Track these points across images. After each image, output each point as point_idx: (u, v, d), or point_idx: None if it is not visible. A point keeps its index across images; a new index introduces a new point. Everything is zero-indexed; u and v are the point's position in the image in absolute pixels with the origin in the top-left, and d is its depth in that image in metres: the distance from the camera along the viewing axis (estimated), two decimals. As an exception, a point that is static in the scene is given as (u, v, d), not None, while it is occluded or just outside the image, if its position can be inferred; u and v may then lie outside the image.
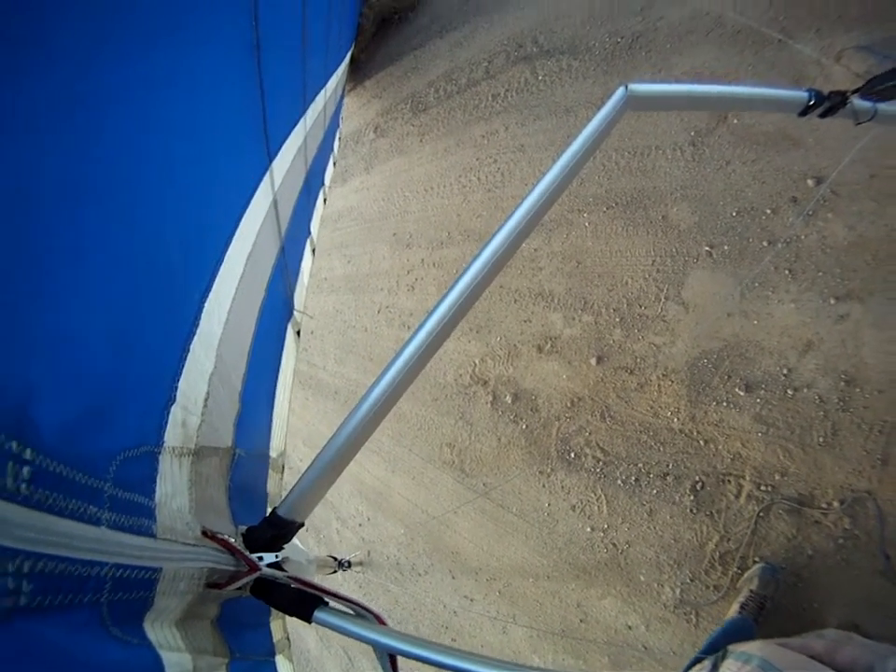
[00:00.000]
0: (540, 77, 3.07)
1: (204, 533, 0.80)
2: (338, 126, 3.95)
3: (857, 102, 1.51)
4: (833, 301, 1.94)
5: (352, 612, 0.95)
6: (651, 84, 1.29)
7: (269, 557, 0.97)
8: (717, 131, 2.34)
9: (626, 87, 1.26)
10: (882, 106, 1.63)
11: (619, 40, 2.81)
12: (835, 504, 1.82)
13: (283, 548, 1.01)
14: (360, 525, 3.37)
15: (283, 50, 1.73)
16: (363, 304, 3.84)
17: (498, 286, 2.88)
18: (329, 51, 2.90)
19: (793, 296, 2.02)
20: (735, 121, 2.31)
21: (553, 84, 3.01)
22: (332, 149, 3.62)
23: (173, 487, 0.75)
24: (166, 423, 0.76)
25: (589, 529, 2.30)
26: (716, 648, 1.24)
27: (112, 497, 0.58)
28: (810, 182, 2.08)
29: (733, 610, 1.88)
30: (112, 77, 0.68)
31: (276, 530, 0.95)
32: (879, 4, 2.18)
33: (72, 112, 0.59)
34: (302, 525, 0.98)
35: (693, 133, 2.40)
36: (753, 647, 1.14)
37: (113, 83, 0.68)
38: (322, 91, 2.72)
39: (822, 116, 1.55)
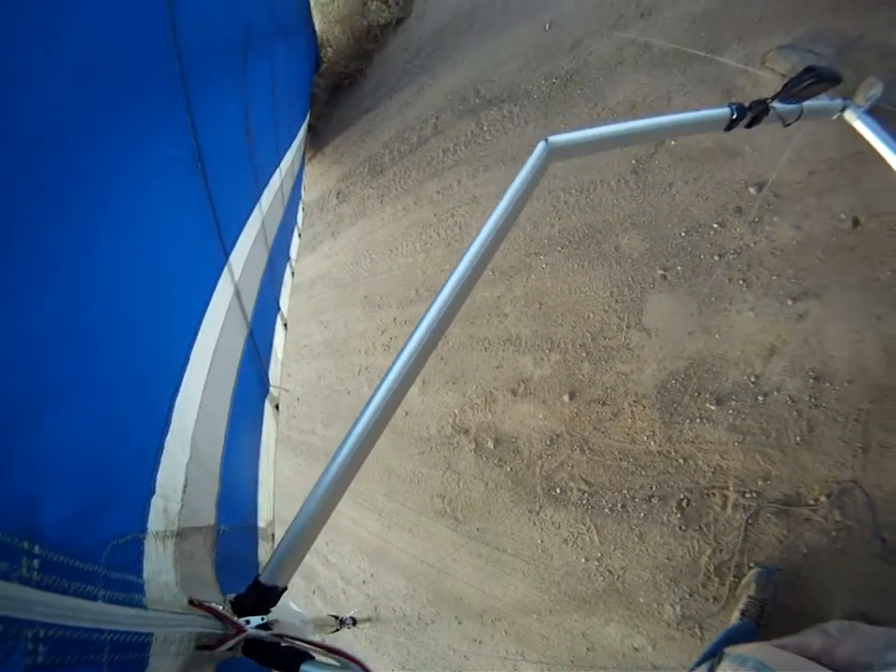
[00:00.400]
0: (485, 128, 3.34)
1: (192, 602, 0.95)
2: (300, 198, 4.22)
3: (780, 106, 1.69)
4: (790, 303, 2.11)
5: (338, 664, 1.09)
6: (569, 134, 1.48)
7: (256, 620, 1.11)
8: (656, 156, 2.56)
9: (547, 140, 1.44)
10: (808, 104, 1.83)
11: (554, 80, 3.08)
12: (823, 499, 1.93)
13: (270, 611, 1.15)
14: (364, 581, 3.47)
15: (226, 153, 1.96)
16: (343, 367, 4.02)
17: (468, 336, 3.07)
18: (278, 132, 3.15)
19: (751, 304, 2.19)
20: (673, 143, 2.53)
21: (498, 133, 3.28)
22: (296, 222, 3.87)
23: (158, 565, 0.92)
24: (148, 512, 0.93)
25: (584, 560, 2.41)
26: (716, 654, 1.31)
27: (106, 577, 0.75)
28: (752, 190, 2.28)
29: (734, 618, 1.95)
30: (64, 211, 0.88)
31: (260, 596, 1.09)
32: (788, 2, 2.43)
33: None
34: (285, 588, 1.12)
35: (634, 162, 2.62)
36: (749, 649, 1.22)
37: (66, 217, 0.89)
38: (277, 172, 2.96)
39: (749, 126, 1.73)
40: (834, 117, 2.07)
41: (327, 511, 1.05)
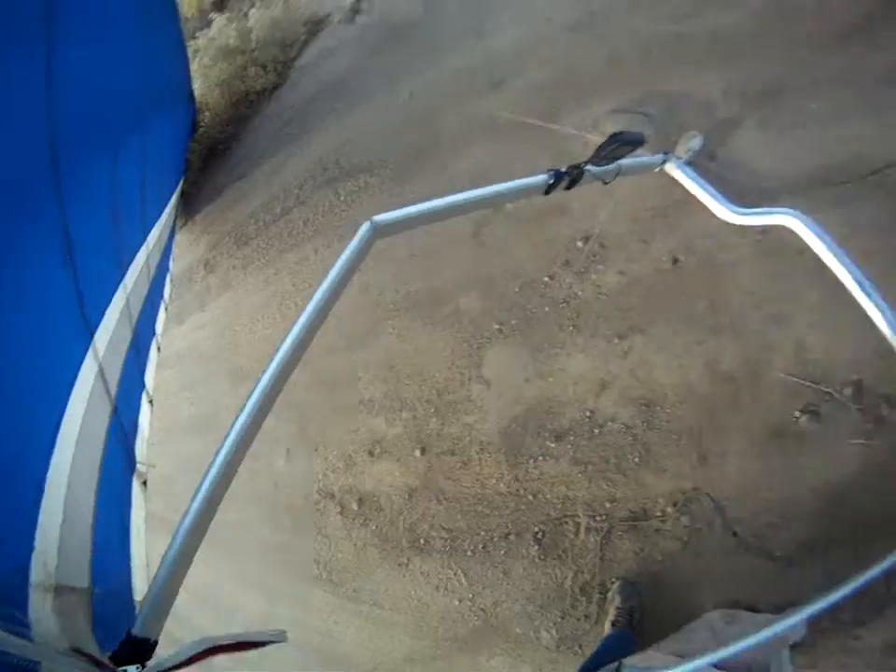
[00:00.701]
0: (343, 198, 3.69)
1: (74, 649, 1.12)
2: (167, 270, 4.34)
3: (594, 168, 1.97)
4: (616, 341, 2.47)
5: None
6: (394, 213, 1.66)
7: (132, 669, 1.26)
8: (494, 219, 2.97)
9: (372, 221, 1.60)
10: (627, 161, 2.17)
11: (409, 151, 3.48)
12: (669, 510, 2.18)
13: (146, 665, 1.28)
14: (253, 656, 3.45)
15: (92, 236, 2.12)
16: (213, 442, 4.04)
17: (326, 403, 3.32)
18: (146, 208, 3.31)
19: (581, 347, 2.54)
20: (510, 206, 2.94)
21: (354, 203, 3.63)
22: (163, 296, 3.99)
23: (39, 614, 1.10)
24: (30, 565, 1.11)
25: (457, 602, 2.61)
26: (599, 663, 1.40)
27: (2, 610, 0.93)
28: (579, 243, 2.69)
29: (606, 629, 2.10)
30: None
31: (133, 647, 1.19)
32: (622, 70, 2.91)
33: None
34: (156, 642, 1.19)
35: (474, 226, 3.02)
36: (650, 658, 1.36)
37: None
38: (143, 247, 3.10)
39: (568, 188, 1.99)
40: (657, 169, 2.47)
41: (181, 569, 1.17)
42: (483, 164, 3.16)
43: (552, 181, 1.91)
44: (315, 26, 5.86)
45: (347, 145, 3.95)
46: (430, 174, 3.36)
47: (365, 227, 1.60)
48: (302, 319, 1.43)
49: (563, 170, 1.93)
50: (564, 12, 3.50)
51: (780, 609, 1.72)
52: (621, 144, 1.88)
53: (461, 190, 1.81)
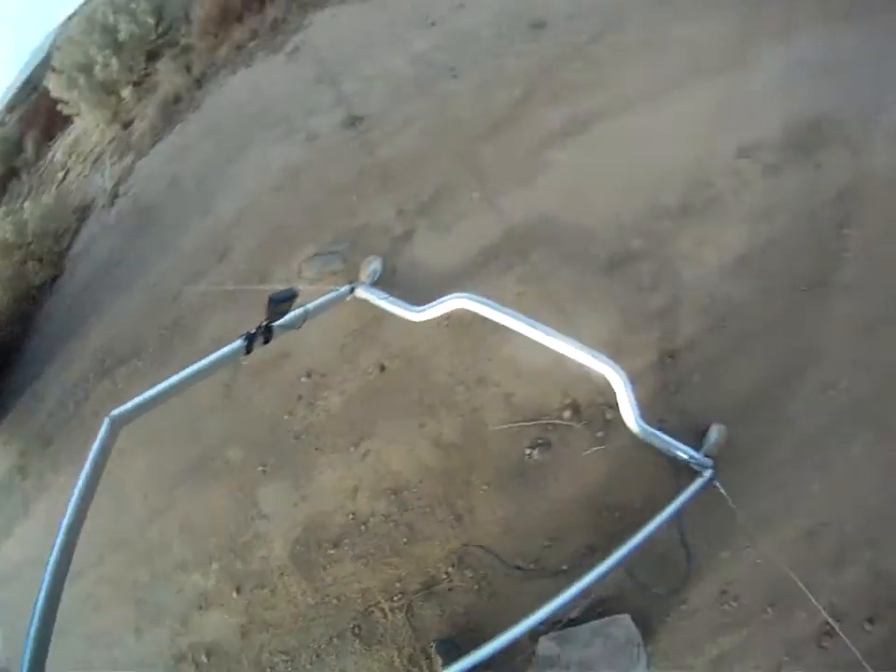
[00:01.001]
0: (120, 386, 3.93)
1: None
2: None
3: (280, 322, 2.29)
4: (353, 449, 2.83)
5: None
6: (130, 403, 1.91)
7: None
8: (237, 375, 3.33)
9: (110, 416, 1.80)
10: (314, 303, 2.59)
11: (164, 331, 3.81)
12: (450, 570, 2.46)
13: None
14: None
15: None
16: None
17: (150, 574, 3.44)
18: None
19: (328, 463, 2.87)
20: (245, 363, 3.25)
21: (130, 388, 3.83)
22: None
23: None
24: None
25: None
26: None
27: None
28: (304, 379, 3.08)
29: None
30: None
31: None
32: (318, 217, 3.37)
33: None
34: None
35: (224, 387, 3.37)
36: None
37: None
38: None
39: (266, 343, 2.28)
40: (348, 298, 2.90)
41: None
42: (223, 330, 3.49)
43: (247, 343, 2.20)
44: (83, 213, 6.15)
45: (117, 333, 4.21)
46: (183, 348, 3.69)
47: (105, 423, 1.79)
48: (66, 520, 1.55)
49: (252, 332, 2.23)
50: (270, 175, 4.03)
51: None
52: (279, 302, 2.18)
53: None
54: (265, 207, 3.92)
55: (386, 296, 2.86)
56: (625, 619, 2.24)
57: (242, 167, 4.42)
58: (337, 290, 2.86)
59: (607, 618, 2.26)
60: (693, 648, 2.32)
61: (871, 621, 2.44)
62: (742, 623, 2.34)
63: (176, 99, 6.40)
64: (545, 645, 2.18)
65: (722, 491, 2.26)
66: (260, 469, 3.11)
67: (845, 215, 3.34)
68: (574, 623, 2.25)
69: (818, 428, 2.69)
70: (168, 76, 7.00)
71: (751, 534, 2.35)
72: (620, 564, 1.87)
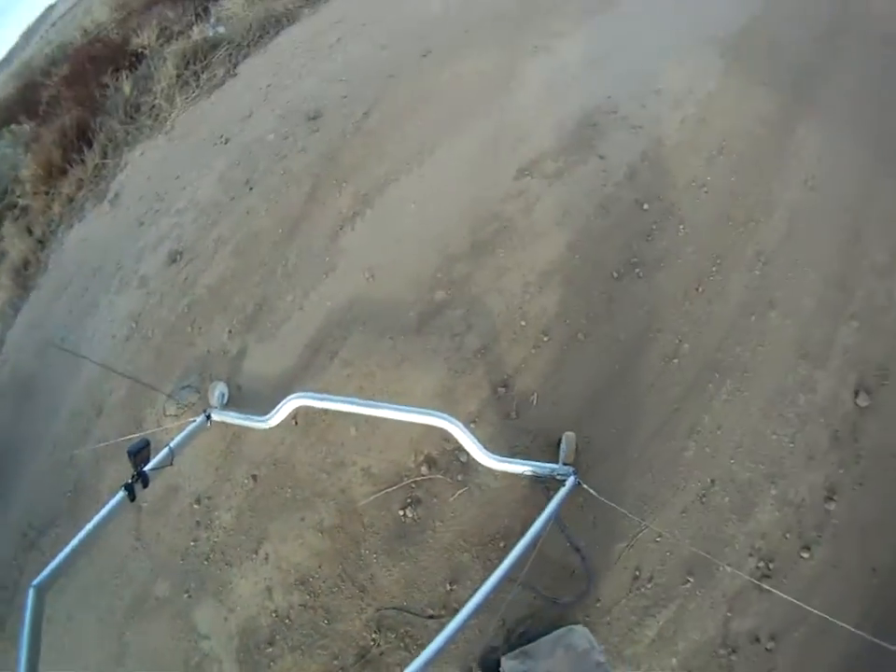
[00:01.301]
0: (48, 556, 3.89)
1: None
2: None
3: (151, 465, 2.43)
4: (254, 555, 3.00)
5: None
6: (45, 570, 1.97)
7: None
8: (142, 518, 3.47)
9: (32, 586, 1.85)
10: (177, 440, 2.71)
11: (69, 494, 3.95)
12: (375, 635, 2.69)
13: None
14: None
15: None
16: None
17: None
18: None
19: (238, 574, 3.01)
20: (146, 504, 3.45)
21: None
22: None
23: None
24: None
25: None
26: None
27: None
28: (196, 506, 3.27)
29: None
30: None
31: None
32: (168, 357, 3.65)
33: None
34: None
35: (133, 530, 3.50)
36: None
37: None
38: None
39: (146, 487, 2.40)
40: (209, 425, 3.05)
41: None
42: (120, 480, 3.46)
43: (128, 492, 2.31)
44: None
45: (29, 505, 4.27)
46: (90, 506, 3.75)
47: (30, 594, 1.84)
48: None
49: (129, 482, 2.33)
50: (119, 326, 4.34)
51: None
52: (137, 453, 2.36)
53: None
54: (123, 357, 4.13)
55: (238, 414, 3.08)
56: (580, 628, 2.44)
57: (96, 322, 4.62)
58: (195, 421, 3.02)
59: (562, 629, 2.45)
60: (626, 638, 2.54)
61: (806, 548, 2.66)
62: (667, 599, 2.57)
63: (26, 264, 6.52)
64: (509, 665, 2.35)
65: (591, 490, 2.44)
66: (186, 595, 3.23)
67: (641, 190, 3.73)
68: (528, 641, 2.45)
69: (675, 398, 2.98)
70: (12, 240, 7.10)
71: (640, 518, 2.56)
72: (504, 579, 1.92)
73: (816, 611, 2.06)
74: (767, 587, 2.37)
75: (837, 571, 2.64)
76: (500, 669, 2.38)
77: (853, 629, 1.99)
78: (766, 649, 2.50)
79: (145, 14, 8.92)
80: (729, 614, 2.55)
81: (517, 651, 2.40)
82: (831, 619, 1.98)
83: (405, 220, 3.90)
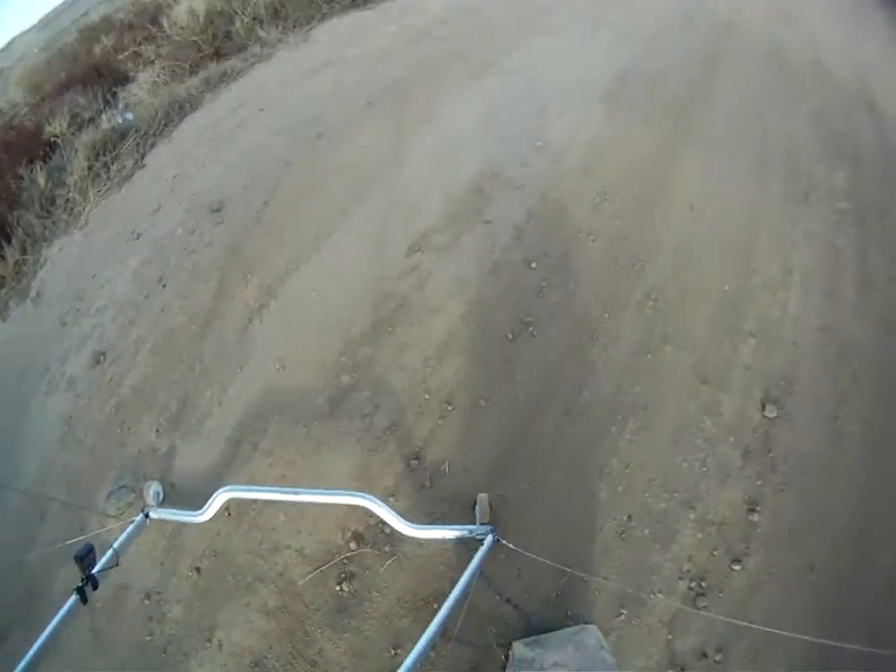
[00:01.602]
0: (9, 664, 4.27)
1: None
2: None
3: (97, 569, 2.53)
4: (209, 644, 3.07)
5: None
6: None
7: None
8: (97, 618, 3.54)
9: None
10: (115, 545, 2.80)
11: (22, 601, 4.09)
12: None
13: None
14: None
15: None
16: None
17: None
18: None
19: (196, 663, 3.04)
20: (99, 604, 3.53)
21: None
22: None
23: None
24: None
25: None
26: None
27: None
28: (147, 601, 3.38)
29: None
30: None
31: None
32: (100, 456, 3.76)
33: None
34: None
35: (91, 630, 3.55)
36: None
37: None
38: None
39: (96, 590, 2.55)
40: (148, 523, 3.13)
41: None
42: (72, 582, 3.37)
43: (78, 596, 2.42)
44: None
45: None
46: (45, 610, 3.73)
47: None
48: None
49: (78, 585, 2.46)
50: (52, 428, 4.49)
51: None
52: (83, 557, 2.50)
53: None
54: (59, 461, 4.23)
55: (174, 510, 3.22)
56: (592, 627, 2.51)
57: (30, 425, 4.70)
58: (134, 521, 3.13)
59: (574, 627, 2.56)
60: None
61: (737, 561, 2.84)
62: (603, 633, 2.58)
63: (-43, 367, 6.57)
64: (520, 649, 2.41)
65: (510, 545, 2.56)
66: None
67: (528, 250, 4.03)
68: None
69: (580, 445, 3.19)
70: (-64, 344, 7.09)
71: (561, 565, 2.63)
72: (436, 637, 2.09)
73: (754, 625, 2.29)
74: (700, 607, 2.59)
75: (773, 576, 2.86)
76: (510, 652, 2.50)
77: (792, 634, 2.19)
78: (716, 661, 2.65)
79: (56, 99, 9.09)
80: (670, 636, 2.69)
81: (531, 638, 2.49)
82: (769, 629, 2.19)
83: (308, 309, 4.19)
